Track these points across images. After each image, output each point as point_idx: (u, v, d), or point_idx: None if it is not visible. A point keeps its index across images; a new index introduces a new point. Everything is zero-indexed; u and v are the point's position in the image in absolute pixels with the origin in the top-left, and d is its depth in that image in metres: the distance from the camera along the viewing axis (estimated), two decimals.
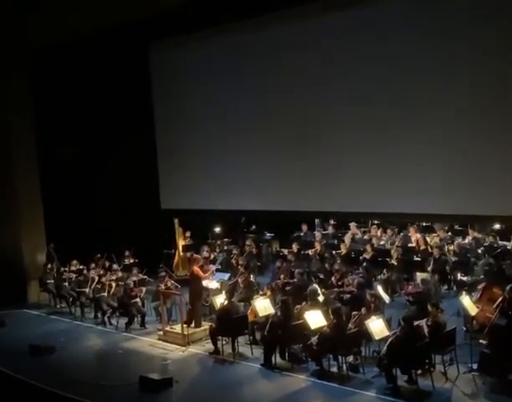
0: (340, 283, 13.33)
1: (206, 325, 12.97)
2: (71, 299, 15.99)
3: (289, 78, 14.66)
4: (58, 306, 16.59)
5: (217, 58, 15.96)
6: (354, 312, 11.09)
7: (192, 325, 13.03)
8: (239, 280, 13.88)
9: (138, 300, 14.22)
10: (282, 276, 14.27)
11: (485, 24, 11.64)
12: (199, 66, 16.36)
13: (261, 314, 12.07)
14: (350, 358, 10.66)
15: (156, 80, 17.56)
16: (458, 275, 14.23)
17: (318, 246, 16.26)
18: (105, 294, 14.67)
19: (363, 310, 11.02)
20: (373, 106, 13.35)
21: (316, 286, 12.57)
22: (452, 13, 12.06)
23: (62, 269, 16.72)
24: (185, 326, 12.83)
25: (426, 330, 10.11)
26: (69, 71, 17.40)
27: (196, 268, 13.38)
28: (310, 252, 16.17)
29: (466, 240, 16.00)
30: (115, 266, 16.28)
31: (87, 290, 15.38)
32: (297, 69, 14.49)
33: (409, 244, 15.69)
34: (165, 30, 15.91)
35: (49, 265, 17.04)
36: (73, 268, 16.74)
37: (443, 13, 12.16)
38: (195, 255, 14.23)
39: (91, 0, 14.93)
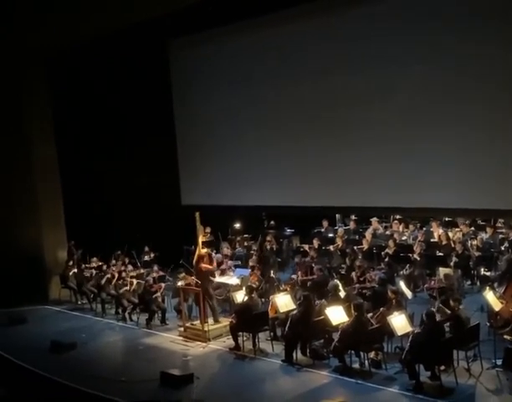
0: (361, 279, 13.24)
1: (226, 321, 12.94)
2: (92, 295, 16.05)
3: (308, 73, 14.58)
4: (79, 303, 16.68)
5: (236, 54, 15.91)
6: (370, 315, 10.88)
7: (211, 321, 13.02)
8: (250, 278, 13.80)
9: (159, 294, 14.20)
10: (300, 273, 14.22)
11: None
12: (219, 64, 16.31)
13: (282, 310, 11.99)
14: (372, 354, 10.56)
15: (176, 78, 17.54)
16: (482, 270, 14.10)
17: (339, 242, 16.15)
18: (128, 288, 14.70)
19: (382, 308, 10.90)
20: (393, 101, 13.24)
21: (337, 282, 12.48)
22: None
23: (83, 265, 16.79)
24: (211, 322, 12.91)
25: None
26: (89, 71, 17.44)
27: (203, 265, 13.16)
28: (332, 248, 16.06)
29: (489, 235, 15.79)
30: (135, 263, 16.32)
31: (109, 275, 15.44)
32: (315, 65, 14.41)
33: (432, 240, 15.52)
34: (184, 28, 15.90)
35: (70, 262, 17.12)
36: (93, 264, 16.80)
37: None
38: (202, 252, 13.44)
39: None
